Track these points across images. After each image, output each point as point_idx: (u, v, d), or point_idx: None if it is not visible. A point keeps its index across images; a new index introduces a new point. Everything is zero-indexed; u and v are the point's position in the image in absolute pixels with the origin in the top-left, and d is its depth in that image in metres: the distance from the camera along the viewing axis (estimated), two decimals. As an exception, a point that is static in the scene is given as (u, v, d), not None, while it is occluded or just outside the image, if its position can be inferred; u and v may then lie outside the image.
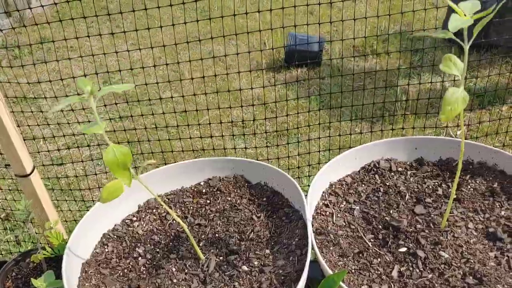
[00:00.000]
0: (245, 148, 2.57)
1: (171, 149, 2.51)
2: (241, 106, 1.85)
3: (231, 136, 3.01)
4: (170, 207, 1.35)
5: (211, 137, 2.24)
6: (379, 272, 1.07)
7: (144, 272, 1.18)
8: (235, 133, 3.16)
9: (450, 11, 3.95)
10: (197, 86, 3.74)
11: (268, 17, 4.76)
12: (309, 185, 1.24)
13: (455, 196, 1.24)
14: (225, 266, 1.15)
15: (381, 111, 3.23)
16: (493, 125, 2.99)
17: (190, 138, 2.25)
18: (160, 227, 1.31)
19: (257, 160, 1.64)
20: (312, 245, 1.08)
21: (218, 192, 1.39)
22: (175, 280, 1.13)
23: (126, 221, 1.33)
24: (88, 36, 1.67)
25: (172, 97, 2.51)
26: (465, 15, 0.96)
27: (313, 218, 1.23)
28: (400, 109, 3.24)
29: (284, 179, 1.30)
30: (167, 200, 1.38)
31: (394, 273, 1.07)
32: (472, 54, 3.91)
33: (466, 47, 0.98)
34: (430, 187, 1.30)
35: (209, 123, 2.07)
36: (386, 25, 4.40)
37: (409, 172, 1.37)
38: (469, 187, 1.28)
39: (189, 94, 2.43)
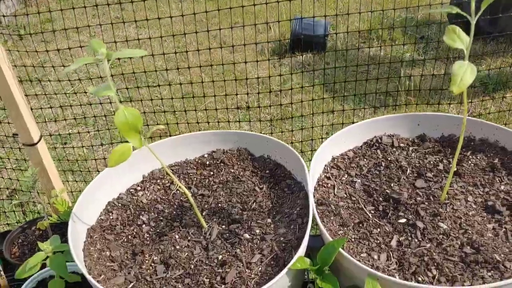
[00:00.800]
0: (250, 126, 2.59)
1: (177, 129, 2.54)
2: (247, 93, 1.86)
3: (236, 117, 3.03)
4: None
5: (217, 119, 2.26)
6: (378, 241, 1.09)
7: (147, 238, 1.20)
8: (240, 115, 3.18)
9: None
10: (203, 69, 3.75)
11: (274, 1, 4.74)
12: (311, 160, 1.26)
13: (455, 170, 1.25)
14: (227, 234, 1.17)
15: (384, 96, 3.23)
16: (497, 110, 2.99)
17: (197, 122, 2.26)
18: (164, 197, 1.33)
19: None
20: (314, 215, 1.10)
21: (222, 164, 1.40)
22: (177, 247, 1.15)
23: (131, 190, 1.35)
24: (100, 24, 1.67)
25: (179, 84, 2.52)
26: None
27: (314, 190, 1.25)
28: (404, 95, 3.25)
29: (287, 152, 1.32)
30: (171, 170, 1.40)
31: (393, 243, 1.08)
32: (478, 43, 3.90)
33: (473, 21, 0.98)
34: (432, 162, 1.32)
35: (216, 109, 2.09)
36: (392, 11, 4.37)
37: (411, 148, 1.38)
38: (470, 162, 1.29)
39: (195, 77, 2.44)
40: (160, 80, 3.62)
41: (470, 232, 1.08)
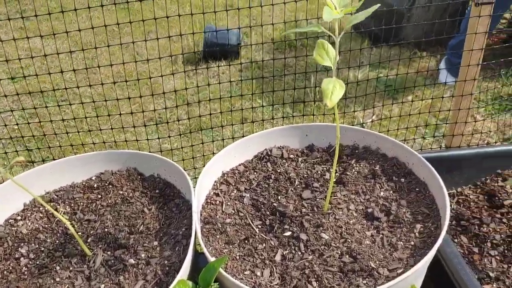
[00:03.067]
0: (159, 142, 2.53)
1: (85, 144, 2.43)
2: (152, 95, 1.81)
3: (149, 129, 2.96)
4: (58, 204, 1.31)
5: (123, 128, 2.19)
6: (263, 257, 1.10)
7: (25, 272, 1.13)
8: (151, 127, 3.11)
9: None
10: (116, 79, 3.63)
11: (188, 10, 4.71)
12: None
13: (340, 178, 1.29)
14: (112, 261, 1.12)
15: (302, 106, 3.29)
16: (400, 113, 3.15)
17: (104, 142, 2.18)
18: (46, 225, 1.26)
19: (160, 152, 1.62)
20: (196, 234, 1.09)
21: (110, 186, 1.35)
22: (58, 279, 1.09)
23: (10, 221, 1.27)
24: None
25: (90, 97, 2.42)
26: (336, 8, 0.99)
27: (202, 208, 1.23)
28: (315, 100, 3.34)
29: (175, 170, 1.30)
30: (55, 197, 1.33)
31: (277, 257, 1.09)
32: (382, 47, 4.09)
33: (337, 39, 1.01)
34: (319, 172, 1.35)
35: (122, 127, 2.02)
36: (304, 20, 4.47)
37: (300, 159, 1.41)
38: (353, 170, 1.33)
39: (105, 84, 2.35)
40: (69, 94, 3.47)
41: (349, 240, 1.11)
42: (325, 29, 1.00)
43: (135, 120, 2.95)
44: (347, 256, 1.07)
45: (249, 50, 4.07)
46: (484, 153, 1.52)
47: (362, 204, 1.22)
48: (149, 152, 2.15)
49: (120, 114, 1.97)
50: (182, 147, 2.43)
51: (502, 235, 1.35)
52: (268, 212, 1.22)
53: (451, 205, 1.48)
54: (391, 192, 1.25)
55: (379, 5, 0.96)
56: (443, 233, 1.03)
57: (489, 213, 1.43)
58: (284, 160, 1.40)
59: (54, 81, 3.48)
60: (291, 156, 1.42)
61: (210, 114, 2.35)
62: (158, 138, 2.29)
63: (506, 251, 1.31)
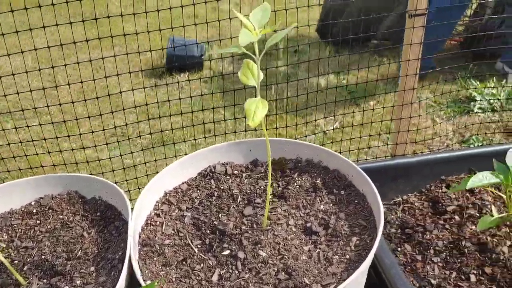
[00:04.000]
0: (121, 156, 2.50)
1: (45, 166, 2.38)
2: (112, 112, 1.79)
3: (111, 146, 2.92)
4: (-5, 232, 1.28)
5: (83, 148, 2.15)
6: (199, 278, 1.09)
7: (-43, 305, 1.10)
8: (114, 143, 3.07)
9: (324, 12, 4.14)
10: (76, 96, 3.60)
11: (151, 21, 4.68)
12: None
13: (276, 194, 1.29)
14: (47, 289, 1.10)
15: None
16: (362, 119, 3.18)
17: (60, 151, 2.15)
18: (-18, 255, 1.23)
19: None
20: (130, 257, 1.07)
21: (50, 210, 1.33)
22: (-10, 311, 1.07)
23: None
24: None
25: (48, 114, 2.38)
26: (255, 29, 1.00)
27: (142, 230, 1.22)
28: (280, 110, 3.35)
29: (115, 191, 1.28)
30: (-7, 224, 1.30)
31: (215, 277, 1.09)
32: (344, 51, 4.14)
33: (258, 61, 1.01)
34: (262, 187, 1.35)
35: (83, 147, 2.00)
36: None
37: (244, 174, 1.41)
38: (295, 184, 1.34)
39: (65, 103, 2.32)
40: (27, 113, 3.41)
41: (286, 257, 1.11)
42: (246, 50, 1.00)
43: (96, 137, 2.91)
44: (283, 273, 1.07)
45: (214, 62, 4.08)
46: (428, 160, 1.54)
47: (301, 218, 1.23)
48: (112, 169, 2.13)
49: (80, 134, 1.95)
50: (145, 162, 2.41)
51: (445, 242, 1.37)
52: (208, 231, 1.21)
53: (396, 213, 1.50)
54: (331, 205, 1.26)
55: (294, 25, 0.98)
56: (375, 246, 1.04)
57: (433, 220, 1.45)
58: (228, 177, 1.40)
59: (14, 99, 3.42)
60: (235, 172, 1.41)
61: (172, 129, 2.34)
62: (121, 155, 2.26)
63: (448, 258, 1.33)
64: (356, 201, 1.25)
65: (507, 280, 1.25)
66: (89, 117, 1.89)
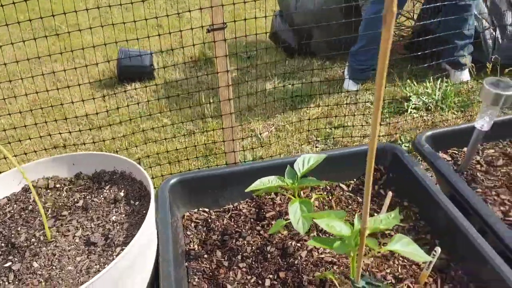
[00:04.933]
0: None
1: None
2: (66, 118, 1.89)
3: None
4: None
5: (25, 153, 2.25)
6: (-29, 289, 1.15)
7: None
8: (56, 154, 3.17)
9: (275, 21, 4.18)
10: (31, 106, 3.72)
11: (106, 33, 4.82)
12: None
13: (81, 206, 1.35)
14: None
15: (194, 120, 3.35)
16: (301, 124, 3.21)
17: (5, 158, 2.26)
18: None
19: None
20: None
21: None
22: None
23: None
24: None
25: None
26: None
27: None
28: (212, 116, 3.40)
29: None
30: None
31: (-14, 288, 1.15)
32: (296, 58, 4.17)
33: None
34: (75, 199, 1.41)
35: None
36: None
37: (65, 187, 1.47)
38: (101, 196, 1.39)
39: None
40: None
41: (55, 267, 1.17)
42: None
43: (40, 147, 3.03)
44: (44, 283, 1.13)
45: (164, 71, 4.16)
46: (257, 167, 1.57)
47: (90, 229, 1.28)
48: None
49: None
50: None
51: (253, 247, 1.40)
52: (3, 244, 1.28)
53: (223, 220, 1.53)
54: (123, 216, 1.31)
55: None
56: (121, 255, 1.09)
57: (251, 226, 1.47)
58: (48, 190, 1.46)
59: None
60: (57, 185, 1.48)
61: (113, 138, 2.44)
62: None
63: (253, 263, 1.36)
64: (144, 211, 1.30)
65: (295, 284, 1.28)
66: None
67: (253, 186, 1.28)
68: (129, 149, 2.92)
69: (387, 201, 1.42)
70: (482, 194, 1.50)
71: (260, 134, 3.24)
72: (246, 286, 1.30)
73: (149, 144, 3.02)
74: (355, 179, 1.64)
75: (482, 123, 1.47)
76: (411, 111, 3.26)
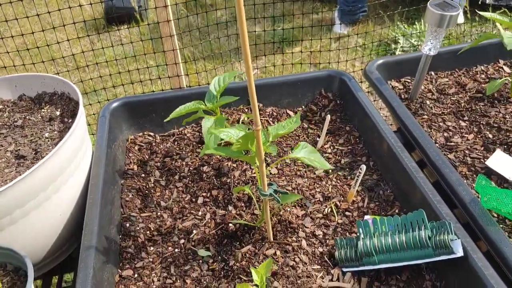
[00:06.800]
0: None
1: None
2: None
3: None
4: None
5: None
6: None
7: None
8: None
9: None
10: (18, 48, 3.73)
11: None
12: None
13: (20, 127, 1.36)
14: None
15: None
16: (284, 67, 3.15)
17: None
18: None
19: None
20: None
21: None
22: None
23: None
24: None
25: None
26: None
27: None
28: (203, 54, 3.37)
29: None
30: None
31: None
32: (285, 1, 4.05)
33: None
34: (17, 119, 1.42)
35: None
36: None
37: (8, 109, 1.48)
38: (39, 115, 1.40)
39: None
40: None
41: (-19, 178, 1.19)
42: None
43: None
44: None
45: (154, 13, 4.10)
46: (202, 91, 1.55)
47: (22, 145, 1.30)
48: None
49: None
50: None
51: (191, 168, 1.41)
52: None
53: (167, 143, 1.53)
54: (56, 132, 1.32)
55: None
56: (46, 158, 1.10)
57: (192, 149, 1.48)
58: (-9, 111, 1.48)
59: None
60: (0, 107, 1.49)
61: (100, 76, 2.45)
62: None
63: (189, 182, 1.37)
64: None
65: (225, 201, 1.29)
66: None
67: (174, 113, 1.27)
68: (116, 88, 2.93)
69: (326, 124, 1.41)
70: (427, 121, 1.47)
71: (242, 74, 3.20)
72: (180, 204, 1.32)
73: (135, 85, 3.01)
74: (303, 106, 1.62)
75: (429, 47, 1.43)
76: (398, 53, 3.19)
